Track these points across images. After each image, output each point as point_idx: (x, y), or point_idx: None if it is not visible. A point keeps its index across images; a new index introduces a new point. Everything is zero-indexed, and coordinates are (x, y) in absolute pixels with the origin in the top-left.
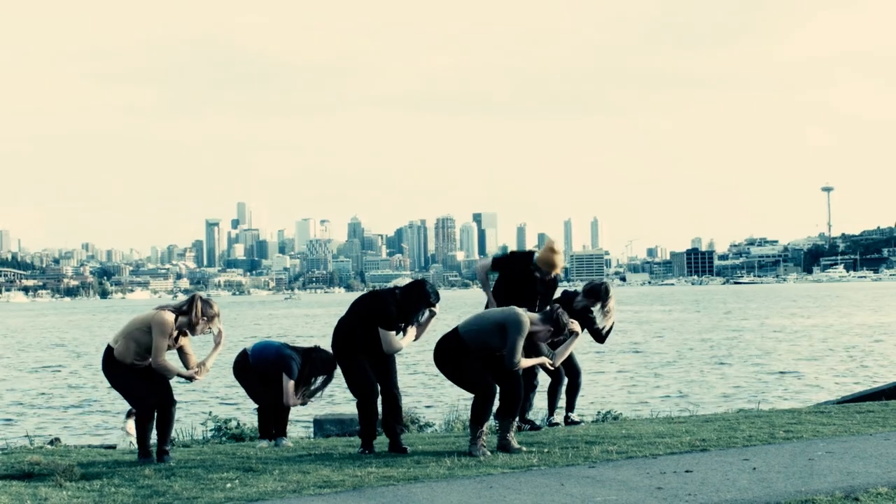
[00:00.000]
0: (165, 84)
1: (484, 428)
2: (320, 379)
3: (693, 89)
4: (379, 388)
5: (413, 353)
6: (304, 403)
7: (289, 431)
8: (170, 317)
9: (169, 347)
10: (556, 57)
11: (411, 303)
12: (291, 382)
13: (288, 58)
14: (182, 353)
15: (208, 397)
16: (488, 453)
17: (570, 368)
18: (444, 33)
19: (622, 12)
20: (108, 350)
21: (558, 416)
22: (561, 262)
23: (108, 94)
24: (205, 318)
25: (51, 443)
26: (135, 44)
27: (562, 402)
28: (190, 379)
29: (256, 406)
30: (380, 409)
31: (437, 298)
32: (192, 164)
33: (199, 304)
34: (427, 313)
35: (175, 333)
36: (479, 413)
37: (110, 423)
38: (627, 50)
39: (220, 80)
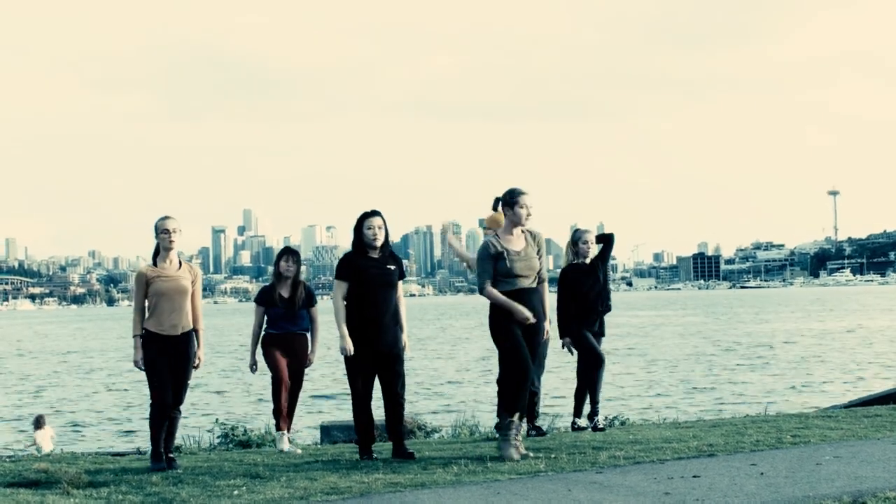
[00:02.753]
0: (168, 90)
1: (515, 419)
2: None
3: (696, 91)
4: (378, 388)
5: (416, 358)
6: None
7: (297, 438)
8: (140, 268)
9: (161, 295)
10: (558, 59)
11: (357, 232)
12: (259, 309)
13: (291, 62)
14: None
15: (215, 406)
16: (519, 452)
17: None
18: (446, 36)
19: (622, 13)
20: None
21: (597, 419)
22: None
23: (111, 101)
24: (159, 233)
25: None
26: (136, 50)
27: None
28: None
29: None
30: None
31: (376, 211)
32: (198, 171)
33: (154, 231)
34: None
35: (152, 275)
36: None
37: (118, 430)
38: (629, 52)
39: (223, 85)
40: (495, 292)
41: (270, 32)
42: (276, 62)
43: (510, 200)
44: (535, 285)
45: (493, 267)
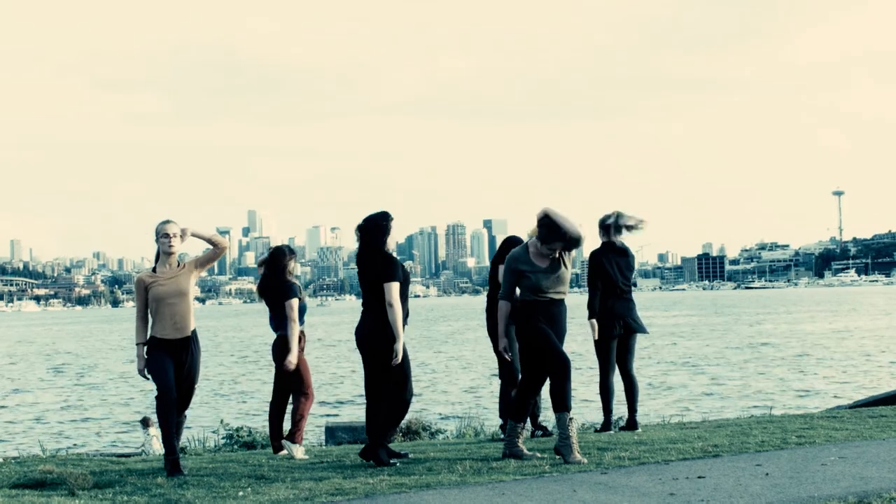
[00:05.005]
0: (173, 91)
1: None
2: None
3: (702, 93)
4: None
5: (421, 359)
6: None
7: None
8: (139, 275)
9: (160, 299)
10: (564, 61)
11: (388, 231)
12: (295, 301)
13: (296, 64)
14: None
15: (220, 407)
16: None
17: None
18: (453, 37)
19: (631, 15)
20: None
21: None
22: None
23: (117, 103)
24: (159, 238)
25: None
26: (142, 51)
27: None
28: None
29: (298, 405)
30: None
31: (390, 217)
32: (203, 171)
33: (155, 235)
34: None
35: (149, 281)
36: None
37: (122, 431)
38: (636, 53)
39: (228, 87)
40: (503, 312)
41: (276, 33)
42: (282, 63)
43: (540, 223)
44: (564, 297)
45: (515, 281)
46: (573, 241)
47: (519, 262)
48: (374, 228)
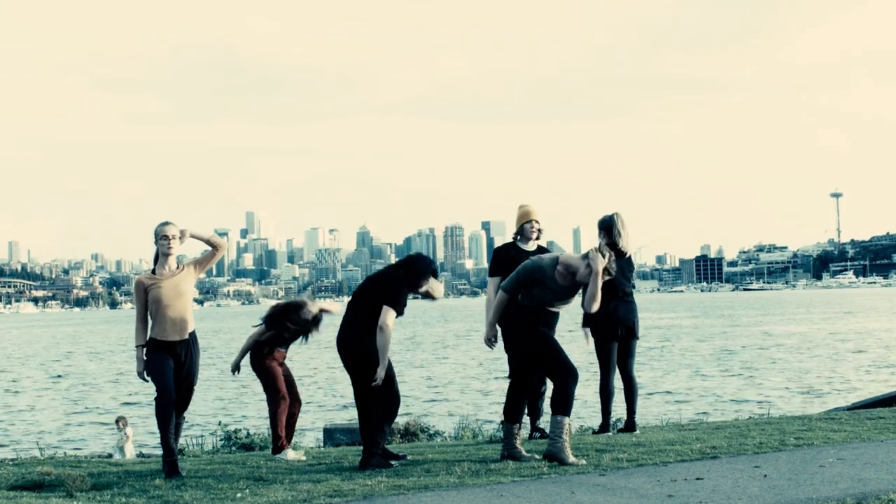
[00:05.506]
0: (173, 91)
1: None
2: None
3: (702, 93)
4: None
5: (419, 361)
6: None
7: (298, 442)
8: (138, 277)
9: (157, 303)
10: (564, 61)
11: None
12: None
13: (296, 64)
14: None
15: (216, 408)
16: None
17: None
18: (453, 37)
19: (631, 15)
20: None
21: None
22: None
23: (115, 103)
24: (158, 239)
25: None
26: (142, 52)
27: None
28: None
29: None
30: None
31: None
32: (200, 173)
33: (154, 237)
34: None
35: (149, 283)
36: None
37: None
38: (636, 53)
39: (228, 86)
40: (499, 304)
41: (276, 33)
42: (282, 63)
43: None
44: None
45: (525, 285)
46: (585, 309)
47: (544, 275)
48: (419, 274)
